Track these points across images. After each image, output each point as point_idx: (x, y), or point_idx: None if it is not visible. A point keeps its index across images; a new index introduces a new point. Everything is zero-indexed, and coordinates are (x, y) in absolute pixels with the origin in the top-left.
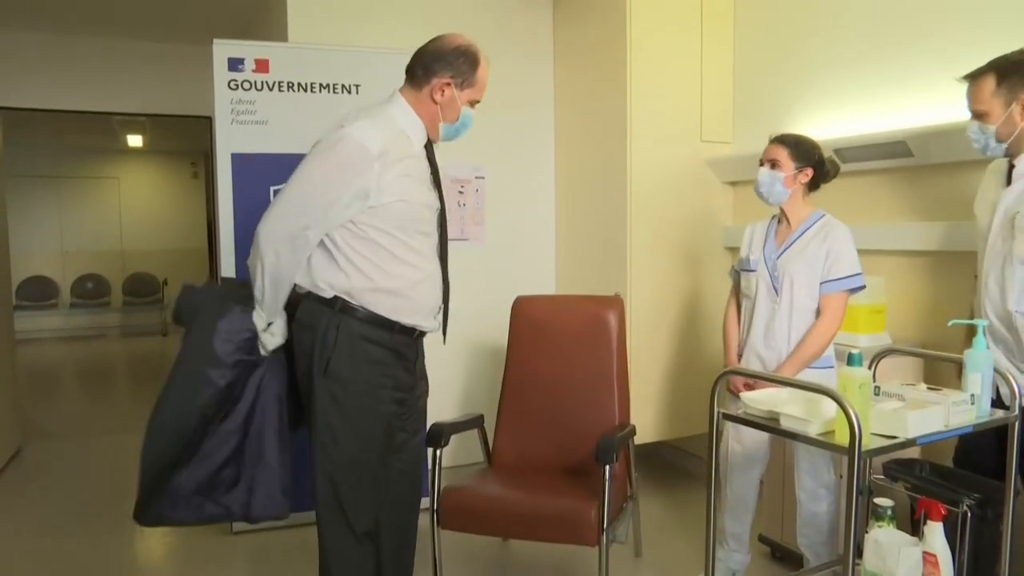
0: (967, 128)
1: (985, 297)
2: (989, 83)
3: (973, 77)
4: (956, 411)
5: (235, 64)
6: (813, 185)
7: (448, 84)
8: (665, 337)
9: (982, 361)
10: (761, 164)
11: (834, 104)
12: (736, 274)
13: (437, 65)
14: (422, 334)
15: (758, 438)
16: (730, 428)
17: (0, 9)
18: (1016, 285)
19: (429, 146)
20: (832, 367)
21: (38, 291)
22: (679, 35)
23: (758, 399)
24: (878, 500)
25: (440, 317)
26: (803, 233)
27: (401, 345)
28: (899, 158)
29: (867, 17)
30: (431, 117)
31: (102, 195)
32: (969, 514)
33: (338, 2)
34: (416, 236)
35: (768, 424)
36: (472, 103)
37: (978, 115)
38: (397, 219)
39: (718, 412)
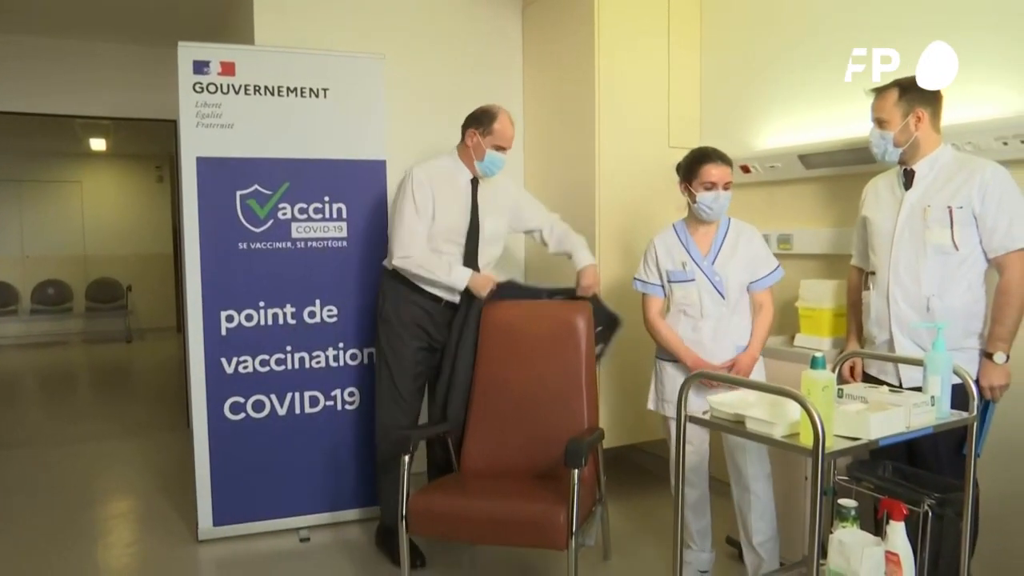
0: (870, 135)
1: (895, 287)
2: (892, 95)
3: (880, 90)
4: (917, 412)
5: (200, 67)
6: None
7: (474, 134)
8: (633, 343)
9: (942, 364)
10: (712, 187)
11: (800, 110)
12: (656, 287)
13: (468, 122)
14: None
15: (704, 436)
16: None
17: None
18: (930, 272)
19: (475, 182)
20: (760, 357)
21: None
22: (647, 41)
23: (724, 402)
24: (842, 501)
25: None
26: (724, 238)
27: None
28: (862, 164)
29: (832, 25)
30: (469, 159)
31: (64, 199)
32: (930, 513)
33: (305, 5)
34: (443, 244)
35: (734, 427)
36: (496, 148)
37: (880, 123)
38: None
39: (685, 416)
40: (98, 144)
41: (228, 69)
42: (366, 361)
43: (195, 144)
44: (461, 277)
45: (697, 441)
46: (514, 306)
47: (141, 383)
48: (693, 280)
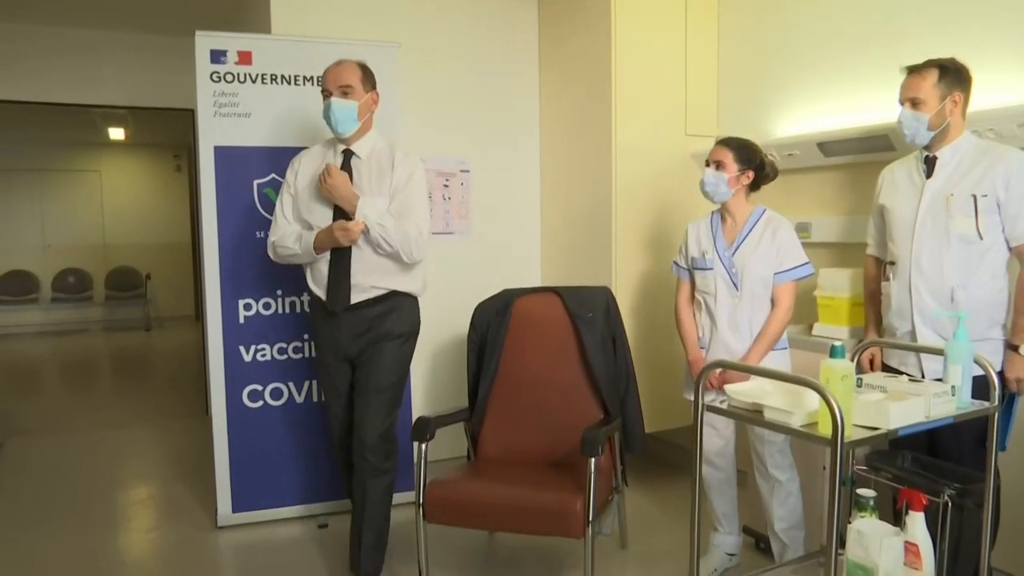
0: (900, 116)
1: (917, 278)
2: (932, 76)
3: (916, 69)
4: (937, 402)
5: (217, 56)
6: (754, 186)
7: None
8: (650, 330)
9: (963, 353)
10: (707, 164)
11: (818, 98)
12: (686, 272)
13: None
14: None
15: (728, 421)
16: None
17: None
18: (954, 261)
19: (348, 154)
20: (786, 348)
21: (18, 286)
22: (664, 28)
23: (742, 391)
24: (860, 491)
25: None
26: (751, 230)
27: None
28: (882, 152)
29: (852, 12)
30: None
31: (84, 189)
32: (950, 504)
33: None
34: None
35: (752, 416)
36: (323, 93)
37: (915, 103)
38: None
39: (703, 405)
40: (117, 133)
41: (245, 58)
42: None
43: (213, 133)
44: (307, 241)
45: (721, 426)
46: (541, 296)
47: (160, 371)
48: (711, 269)
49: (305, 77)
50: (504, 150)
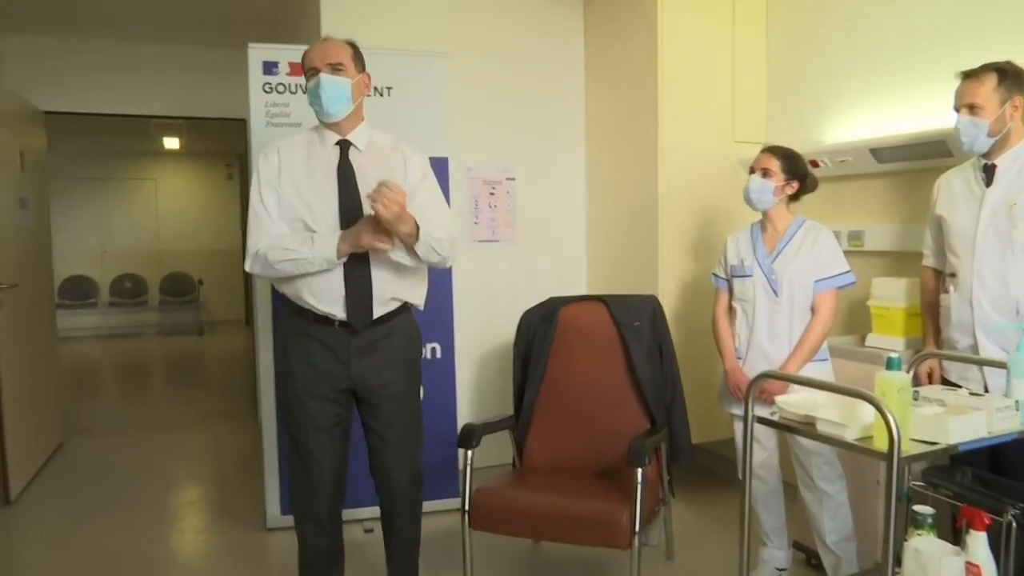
0: (957, 123)
1: (980, 290)
2: (991, 80)
3: (974, 74)
4: (1000, 417)
5: (269, 67)
6: (795, 197)
7: None
8: (696, 339)
9: None
10: (752, 171)
11: (871, 102)
12: (724, 282)
13: None
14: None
15: (771, 433)
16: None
17: (42, 15)
18: (1019, 273)
19: (344, 145)
20: (827, 359)
21: (78, 290)
22: (711, 32)
23: (793, 403)
24: (917, 508)
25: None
26: (791, 238)
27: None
28: (938, 158)
29: (905, 13)
30: None
31: (140, 196)
32: (1014, 524)
33: (372, 4)
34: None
35: (804, 429)
36: (307, 73)
37: (972, 109)
38: None
39: (752, 416)
40: (171, 143)
41: (296, 70)
42: (439, 355)
43: (265, 143)
44: (328, 242)
45: (764, 438)
46: (587, 305)
47: (212, 374)
48: (750, 276)
49: None
50: (550, 157)
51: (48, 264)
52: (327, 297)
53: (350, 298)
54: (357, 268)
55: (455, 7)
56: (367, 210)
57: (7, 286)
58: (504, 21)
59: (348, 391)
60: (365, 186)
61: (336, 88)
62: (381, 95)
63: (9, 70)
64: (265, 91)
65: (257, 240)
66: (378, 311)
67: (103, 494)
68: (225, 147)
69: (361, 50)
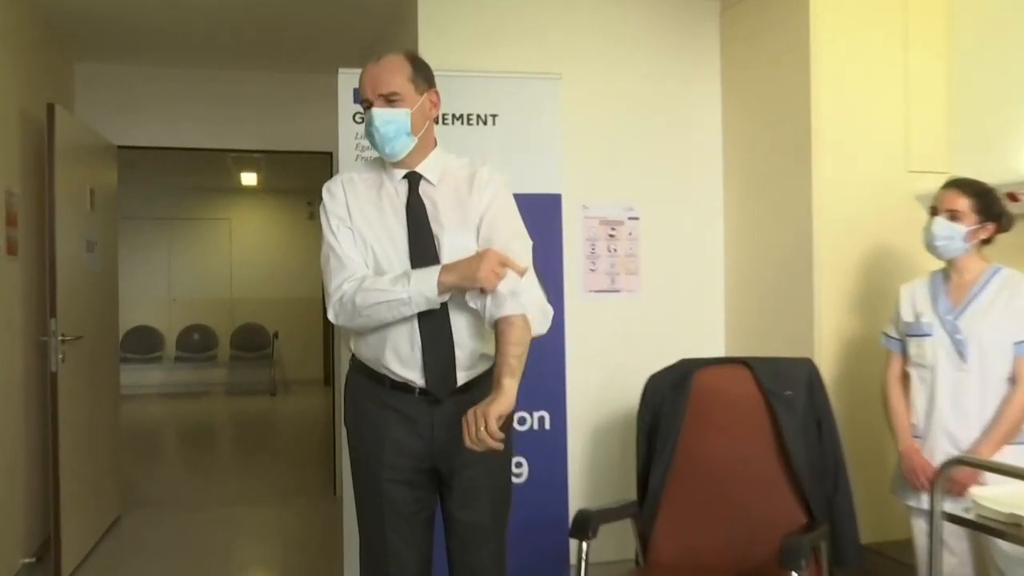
0: None
1: None
2: None
3: None
4: None
5: None
6: (987, 240)
7: None
8: (862, 412)
9: None
10: (935, 213)
11: None
12: (898, 343)
13: None
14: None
15: (964, 537)
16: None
17: (113, 43)
18: None
19: (414, 180)
20: None
21: (143, 342)
22: (877, 42)
23: (994, 497)
24: None
25: None
26: (983, 289)
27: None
28: None
29: None
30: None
31: (213, 238)
32: None
33: (474, 24)
34: None
35: (1009, 531)
36: (363, 104)
37: None
38: None
39: (940, 513)
40: (249, 179)
41: None
42: (536, 426)
43: None
44: (427, 277)
45: (954, 541)
46: (727, 369)
47: (285, 441)
48: (930, 335)
49: (455, 115)
50: (680, 193)
51: (114, 314)
52: (404, 356)
53: (428, 359)
54: (432, 322)
55: (568, 25)
56: (443, 256)
57: (71, 338)
58: (624, 39)
59: (431, 471)
60: (438, 225)
61: (391, 124)
62: (484, 123)
63: (81, 100)
64: (356, 121)
65: (340, 284)
66: (464, 374)
67: (159, 575)
68: (307, 183)
69: (463, 75)
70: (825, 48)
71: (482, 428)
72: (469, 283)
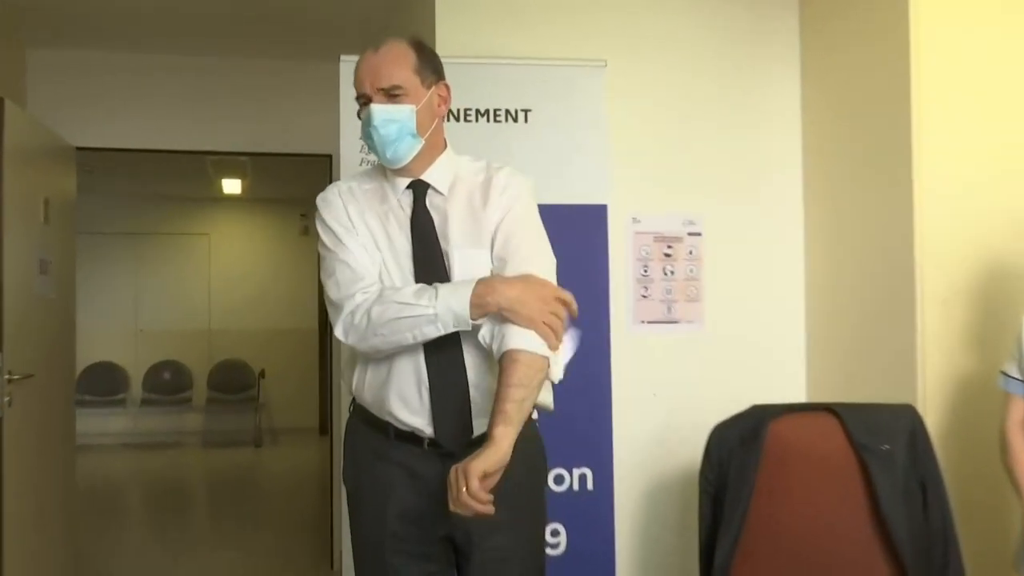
0: None
1: None
2: None
3: None
4: None
5: None
6: None
7: None
8: (976, 472)
9: None
10: None
11: None
12: (1019, 383)
13: None
14: None
15: None
16: None
17: (71, 26)
18: None
19: (419, 188)
20: None
21: (104, 382)
22: (995, 25)
23: None
24: None
25: None
26: None
27: None
28: None
29: None
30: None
31: (188, 257)
32: None
33: (503, 1)
34: None
35: None
36: (358, 100)
37: None
38: None
39: None
40: (232, 186)
41: None
42: (576, 486)
43: None
44: (459, 291)
45: None
46: (809, 418)
47: (273, 504)
48: None
49: (479, 111)
50: (751, 205)
51: (71, 348)
52: (409, 399)
53: (437, 403)
54: (440, 355)
55: (615, 3)
56: (455, 276)
57: (19, 377)
58: (682, 20)
59: (445, 540)
60: (447, 240)
61: (393, 123)
62: (515, 120)
63: (34, 93)
64: (360, 117)
65: (353, 294)
66: (483, 422)
67: None
68: (301, 192)
69: (489, 62)
70: (930, 30)
71: (462, 489)
72: (511, 315)
